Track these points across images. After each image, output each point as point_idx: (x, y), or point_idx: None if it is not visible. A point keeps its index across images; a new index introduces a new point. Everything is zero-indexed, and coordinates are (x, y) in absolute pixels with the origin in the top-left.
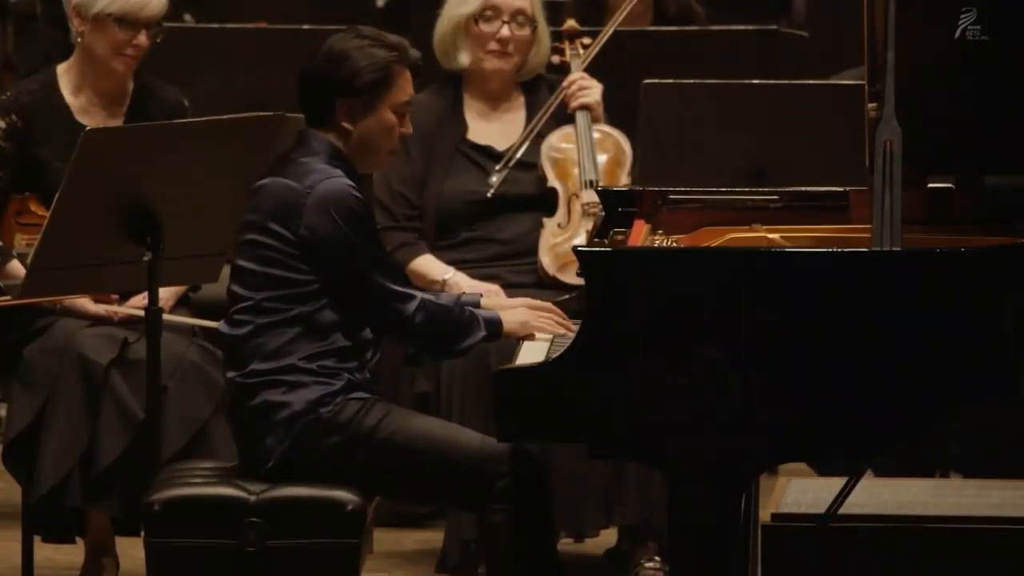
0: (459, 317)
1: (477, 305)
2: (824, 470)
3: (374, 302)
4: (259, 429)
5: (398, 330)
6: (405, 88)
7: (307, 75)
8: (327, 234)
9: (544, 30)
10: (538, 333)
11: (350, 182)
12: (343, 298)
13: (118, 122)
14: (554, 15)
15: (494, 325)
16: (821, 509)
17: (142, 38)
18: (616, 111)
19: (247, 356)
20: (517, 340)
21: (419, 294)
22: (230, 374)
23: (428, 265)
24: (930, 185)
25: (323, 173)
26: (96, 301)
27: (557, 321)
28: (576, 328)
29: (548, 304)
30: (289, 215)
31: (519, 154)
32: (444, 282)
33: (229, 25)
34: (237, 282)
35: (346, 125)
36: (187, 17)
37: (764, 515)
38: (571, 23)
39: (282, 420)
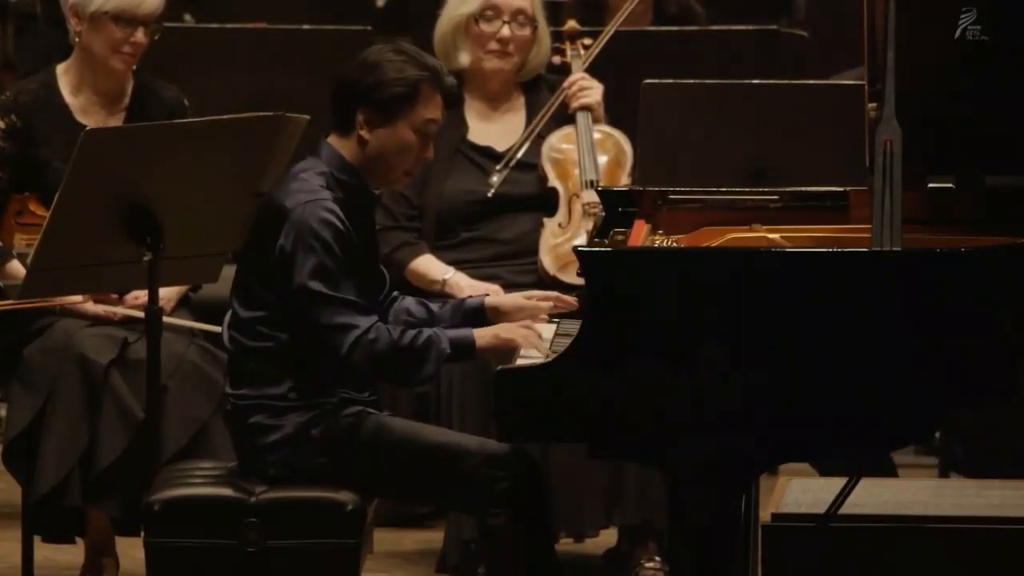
0: (410, 346)
1: (481, 307)
2: (824, 470)
3: (312, 334)
4: (254, 446)
5: (335, 364)
6: (430, 110)
7: (337, 80)
8: (285, 257)
9: (544, 30)
10: (521, 347)
11: (331, 207)
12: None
13: (118, 122)
14: (554, 15)
15: (464, 348)
16: (821, 509)
17: (140, 36)
18: (616, 111)
19: (239, 377)
20: (498, 353)
21: (364, 325)
22: (227, 389)
23: (428, 265)
24: (930, 185)
25: (310, 194)
26: (96, 301)
27: (534, 341)
28: (573, 302)
29: (546, 293)
30: (272, 233)
31: (519, 154)
32: (444, 282)
33: (229, 25)
34: (232, 293)
35: (363, 134)
36: (187, 17)
37: (764, 515)
38: (571, 23)
39: (275, 441)
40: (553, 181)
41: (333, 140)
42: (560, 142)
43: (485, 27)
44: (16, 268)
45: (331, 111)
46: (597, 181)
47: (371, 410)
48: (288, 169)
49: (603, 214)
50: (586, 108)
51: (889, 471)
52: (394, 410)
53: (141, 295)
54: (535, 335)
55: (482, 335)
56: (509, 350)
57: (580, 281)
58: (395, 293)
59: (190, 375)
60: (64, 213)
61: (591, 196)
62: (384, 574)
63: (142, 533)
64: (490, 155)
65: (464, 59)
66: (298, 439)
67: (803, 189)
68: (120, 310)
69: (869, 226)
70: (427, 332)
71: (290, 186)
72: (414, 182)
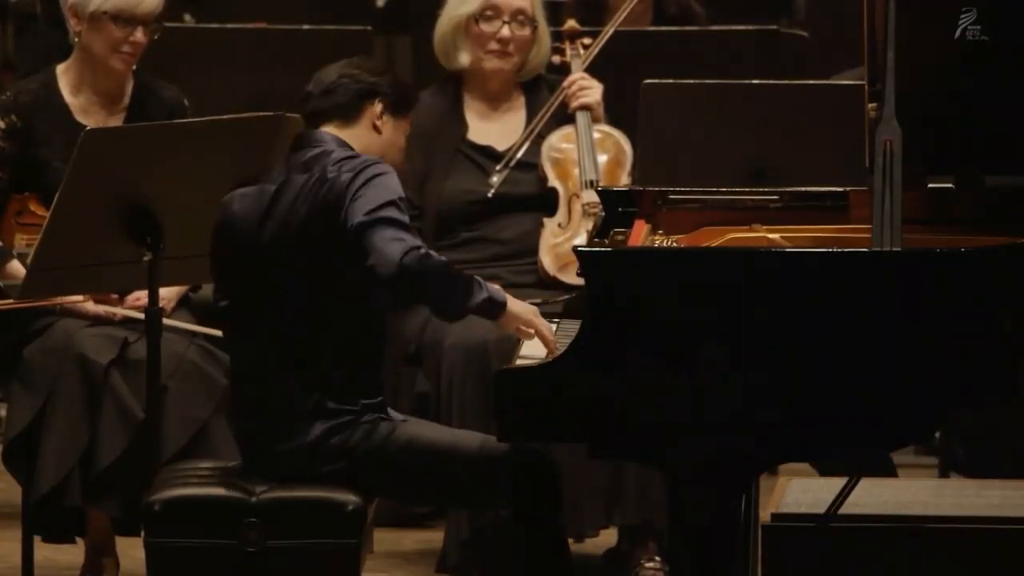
0: (457, 273)
1: (503, 302)
2: (824, 470)
3: (368, 250)
4: (267, 448)
5: (384, 271)
6: (410, 122)
7: (349, 72)
8: (361, 197)
9: (544, 30)
10: (533, 337)
11: (386, 166)
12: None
13: (118, 122)
14: (554, 15)
15: (496, 303)
16: (821, 509)
17: (139, 35)
18: (616, 111)
19: (264, 378)
20: (515, 333)
21: (416, 242)
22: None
23: None
24: (930, 185)
25: (369, 159)
26: (96, 301)
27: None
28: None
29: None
30: (332, 210)
31: (519, 154)
32: None
33: (229, 25)
34: (254, 297)
35: (378, 123)
36: (187, 17)
37: (764, 515)
38: (571, 23)
39: (294, 448)
40: (553, 181)
41: (334, 130)
42: (560, 142)
43: (485, 27)
44: (16, 268)
45: (337, 100)
46: (597, 181)
47: (384, 416)
48: (294, 159)
49: (603, 214)
50: (586, 108)
51: (889, 471)
52: (397, 409)
53: (142, 296)
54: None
55: (512, 302)
56: (510, 350)
57: (580, 281)
58: None
59: (190, 375)
60: (64, 213)
61: (591, 196)
62: (384, 574)
63: (142, 533)
64: (490, 155)
65: (464, 59)
66: (317, 447)
67: (803, 189)
68: (120, 310)
69: (869, 226)
70: (470, 275)
71: (329, 164)
72: (414, 182)
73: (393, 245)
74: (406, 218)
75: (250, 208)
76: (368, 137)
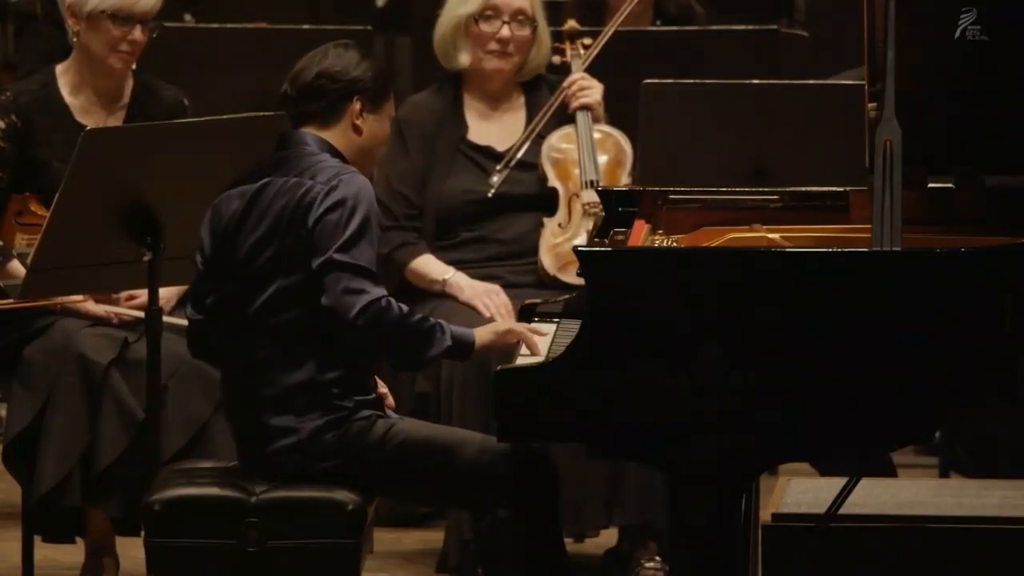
0: (417, 327)
1: (471, 342)
2: (824, 470)
3: (326, 292)
4: (264, 447)
5: (339, 323)
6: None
7: (323, 71)
8: (328, 221)
9: (544, 30)
10: (520, 345)
11: (365, 181)
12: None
13: (118, 122)
14: (554, 15)
15: (464, 346)
16: (821, 509)
17: (137, 34)
18: (616, 111)
19: (255, 378)
20: (498, 350)
21: (376, 294)
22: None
23: (428, 265)
24: (930, 185)
25: (344, 169)
26: (97, 301)
27: (532, 340)
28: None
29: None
30: (301, 214)
31: (519, 154)
32: (444, 282)
33: (229, 25)
34: (245, 295)
35: (358, 122)
36: (187, 17)
37: (764, 515)
38: (571, 23)
39: (288, 445)
40: (553, 181)
41: (314, 131)
42: (560, 142)
43: (485, 27)
44: (16, 268)
45: (317, 104)
46: (597, 181)
47: (380, 414)
48: (275, 159)
49: (603, 214)
50: (586, 108)
51: (889, 471)
52: (396, 410)
53: (137, 294)
54: (533, 335)
55: (481, 335)
56: (509, 349)
57: (580, 281)
58: None
59: (190, 375)
60: (64, 213)
61: (591, 196)
62: (384, 574)
63: (142, 533)
64: (490, 155)
65: (464, 59)
66: (312, 444)
67: (803, 189)
68: (121, 310)
69: (869, 226)
70: (433, 320)
71: (308, 166)
72: (414, 182)
73: (349, 299)
74: (374, 250)
75: (234, 209)
76: (347, 138)
